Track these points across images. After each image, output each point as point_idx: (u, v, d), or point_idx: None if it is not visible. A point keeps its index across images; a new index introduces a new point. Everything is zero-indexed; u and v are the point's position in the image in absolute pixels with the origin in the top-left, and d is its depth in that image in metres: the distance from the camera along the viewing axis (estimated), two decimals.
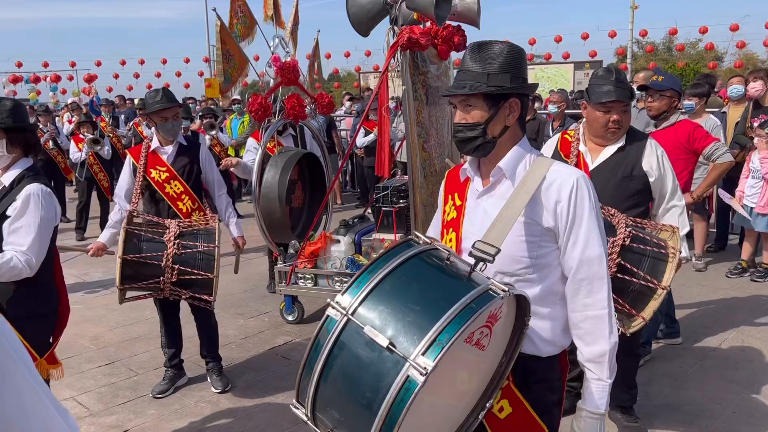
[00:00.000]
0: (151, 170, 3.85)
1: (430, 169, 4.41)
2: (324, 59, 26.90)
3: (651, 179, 3.15)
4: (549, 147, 3.42)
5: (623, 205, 3.07)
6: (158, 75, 31.17)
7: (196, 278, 3.51)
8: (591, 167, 3.19)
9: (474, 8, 4.25)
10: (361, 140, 9.76)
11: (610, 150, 3.19)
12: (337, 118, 12.40)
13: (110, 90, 30.10)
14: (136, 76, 30.83)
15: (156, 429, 3.65)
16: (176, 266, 3.48)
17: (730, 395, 3.78)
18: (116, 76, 30.89)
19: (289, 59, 4.59)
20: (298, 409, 1.59)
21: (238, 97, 13.88)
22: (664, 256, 2.83)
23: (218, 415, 3.81)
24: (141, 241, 3.52)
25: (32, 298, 2.73)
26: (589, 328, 1.81)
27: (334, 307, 1.53)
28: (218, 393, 4.04)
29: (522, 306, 1.68)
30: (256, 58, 5.20)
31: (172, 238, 3.50)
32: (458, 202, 1.97)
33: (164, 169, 3.86)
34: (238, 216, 4.49)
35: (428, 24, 4.21)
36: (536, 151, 1.92)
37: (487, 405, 1.74)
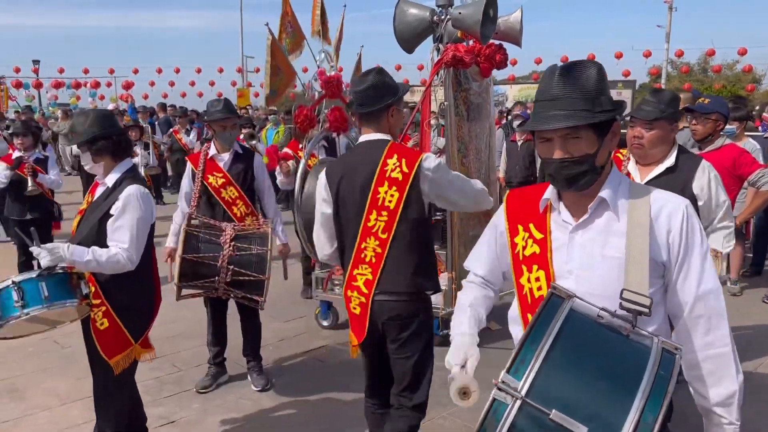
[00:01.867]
0: (209, 176, 4.06)
1: None
2: (394, 71, 27.19)
3: (700, 203, 3.07)
4: None
5: None
6: (192, 84, 31.97)
7: (249, 279, 3.69)
8: None
9: (516, 27, 4.38)
10: None
11: (659, 170, 3.12)
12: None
13: (146, 97, 30.94)
14: (171, 84, 31.63)
15: (201, 422, 3.83)
16: (231, 267, 3.66)
17: (766, 418, 3.79)
18: (152, 84, 31.72)
19: (333, 73, 4.77)
20: None
21: (274, 108, 14.21)
22: None
23: (258, 412, 3.97)
24: (199, 242, 3.72)
25: (132, 290, 2.95)
26: (713, 368, 1.65)
27: (501, 389, 1.28)
28: (258, 391, 4.21)
29: None
30: (304, 70, 5.36)
31: (228, 241, 3.70)
32: (538, 235, 1.78)
33: (221, 175, 4.07)
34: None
35: (471, 42, 4.36)
36: (624, 176, 1.79)
37: None
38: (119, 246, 2.81)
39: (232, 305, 4.20)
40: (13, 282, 2.62)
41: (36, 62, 29.96)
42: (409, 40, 4.32)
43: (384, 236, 2.67)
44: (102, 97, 29.70)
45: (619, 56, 24.27)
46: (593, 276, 1.64)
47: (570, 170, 1.63)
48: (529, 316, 1.73)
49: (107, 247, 2.82)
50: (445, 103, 4.27)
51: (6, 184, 6.12)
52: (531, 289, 1.76)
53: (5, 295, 2.62)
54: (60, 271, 2.70)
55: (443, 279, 4.54)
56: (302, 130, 5.15)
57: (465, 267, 2.11)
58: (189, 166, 4.19)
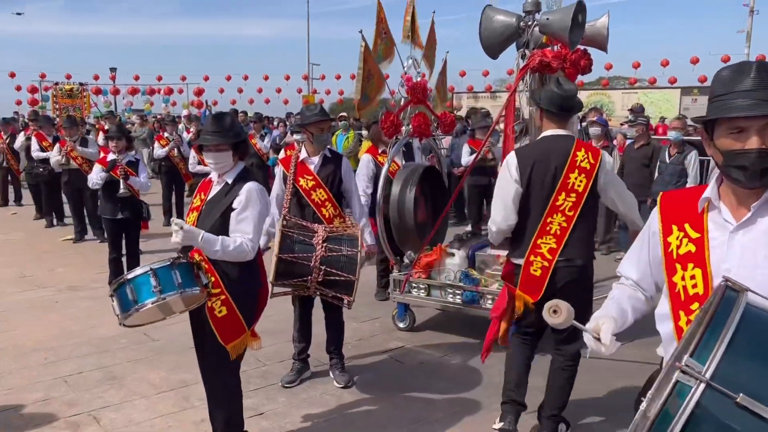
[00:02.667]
0: (300, 178, 4.23)
1: None
2: (458, 77, 27.23)
3: None
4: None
5: None
6: (260, 90, 32.85)
7: (339, 279, 3.83)
8: None
9: (603, 32, 4.36)
10: (466, 159, 9.94)
11: None
12: (438, 137, 12.66)
13: (215, 103, 31.87)
14: (240, 90, 32.60)
15: (287, 414, 3.99)
16: (323, 267, 3.81)
17: None
18: (221, 91, 32.78)
19: (419, 79, 4.87)
20: None
21: (344, 113, 14.47)
22: None
23: (342, 407, 4.10)
24: (294, 243, 3.88)
25: (247, 279, 3.18)
26: None
27: (685, 372, 1.27)
28: (341, 388, 4.34)
29: None
30: (386, 77, 5.47)
31: (321, 242, 3.86)
32: (694, 235, 1.80)
33: (311, 177, 4.24)
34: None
35: (557, 47, 4.37)
36: None
37: None
38: (244, 236, 3.02)
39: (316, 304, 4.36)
40: (151, 269, 2.84)
41: (113, 70, 31.38)
42: (494, 46, 4.37)
43: (570, 213, 3.32)
44: (174, 104, 30.92)
45: (695, 61, 23.50)
46: (755, 275, 1.61)
47: (762, 163, 1.61)
48: (683, 314, 1.77)
49: (232, 237, 3.04)
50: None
51: (101, 185, 6.51)
52: (685, 287, 1.78)
53: (142, 281, 2.84)
54: (185, 261, 2.91)
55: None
56: (388, 136, 5.28)
57: (617, 272, 2.17)
58: (280, 169, 4.38)
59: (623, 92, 19.35)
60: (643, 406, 1.42)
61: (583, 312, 2.93)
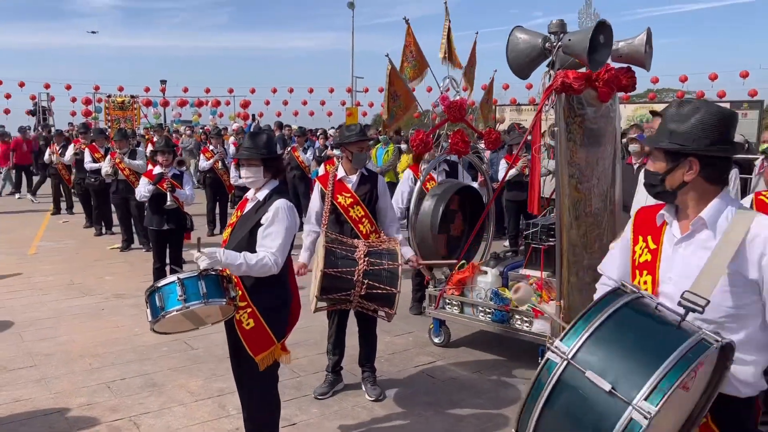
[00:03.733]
0: (338, 196, 4.35)
1: (585, 210, 4.49)
2: (502, 90, 27.20)
3: None
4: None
5: None
6: (305, 103, 33.29)
7: (381, 292, 3.92)
8: None
9: (641, 50, 4.30)
10: (502, 174, 9.91)
11: None
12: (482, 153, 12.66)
13: (261, 115, 32.51)
14: (285, 103, 33.02)
15: (319, 426, 4.06)
16: (366, 281, 3.91)
17: None
18: (267, 103, 33.24)
19: (458, 98, 4.92)
20: None
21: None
22: None
23: (373, 420, 4.16)
24: (337, 258, 3.98)
25: (275, 292, 3.29)
26: None
27: (554, 351, 1.71)
28: (372, 401, 4.40)
29: (725, 351, 1.78)
30: (429, 90, 5.63)
31: (363, 256, 3.96)
32: (652, 246, 2.08)
33: (349, 195, 4.35)
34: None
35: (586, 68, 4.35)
36: (738, 203, 2.03)
37: None
38: (268, 251, 3.12)
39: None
40: (178, 278, 2.97)
41: (163, 82, 32.24)
42: (522, 67, 4.38)
43: None
44: (221, 115, 31.60)
45: (744, 75, 22.92)
46: (688, 285, 1.84)
47: (647, 180, 2.06)
48: None
49: (256, 252, 3.14)
50: (556, 128, 4.29)
51: (148, 197, 6.76)
52: None
53: (170, 289, 2.98)
54: (214, 273, 3.03)
55: (551, 307, 4.53)
56: (418, 152, 5.36)
57: (599, 270, 2.40)
58: (318, 186, 4.50)
59: None
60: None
61: None
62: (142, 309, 6.40)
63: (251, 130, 15.59)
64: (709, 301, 1.77)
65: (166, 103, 31.01)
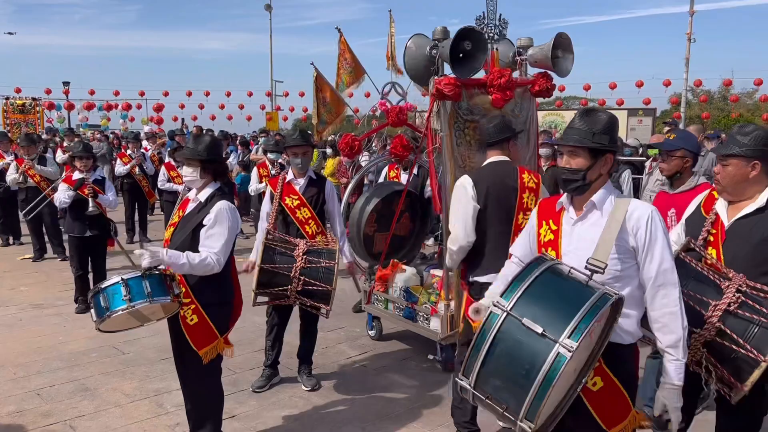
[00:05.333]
0: (286, 198, 4.53)
1: None
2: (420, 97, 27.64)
3: None
4: (695, 203, 3.26)
5: (757, 270, 2.81)
6: (222, 107, 32.62)
7: (317, 289, 4.12)
8: (726, 226, 2.96)
9: (548, 55, 4.62)
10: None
11: (747, 210, 2.93)
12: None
13: (175, 119, 31.61)
14: (201, 107, 32.21)
15: (259, 416, 4.22)
16: (302, 277, 4.11)
17: None
18: (182, 107, 32.33)
19: (403, 103, 5.13)
20: (462, 380, 2.12)
21: (309, 132, 14.71)
22: None
23: (310, 409, 4.36)
24: (275, 254, 4.16)
25: (217, 289, 3.41)
26: (667, 322, 2.37)
27: (496, 305, 2.08)
28: (308, 391, 4.60)
29: (617, 305, 2.21)
30: (367, 95, 5.89)
31: (301, 254, 4.16)
32: (554, 227, 2.56)
33: (296, 197, 4.54)
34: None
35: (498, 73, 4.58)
36: (616, 191, 2.53)
37: (583, 380, 2.29)
38: (210, 251, 3.25)
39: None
40: (122, 279, 3.07)
41: (66, 84, 30.65)
42: (419, 74, 4.59)
43: None
44: (132, 119, 30.47)
45: (639, 85, 24.59)
46: (584, 254, 2.32)
47: (567, 176, 2.45)
48: None
49: (199, 252, 3.26)
50: (441, 134, 4.45)
51: (69, 204, 6.60)
52: None
53: (113, 289, 3.07)
54: (157, 272, 3.14)
55: (441, 307, 4.75)
56: (347, 156, 5.58)
57: (509, 252, 2.91)
58: (269, 189, 4.68)
59: (575, 113, 20.15)
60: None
61: None
62: (65, 318, 6.41)
63: (177, 132, 15.15)
64: (607, 265, 2.25)
65: (71, 107, 29.44)
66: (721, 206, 3.05)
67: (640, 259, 2.38)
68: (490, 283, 3.43)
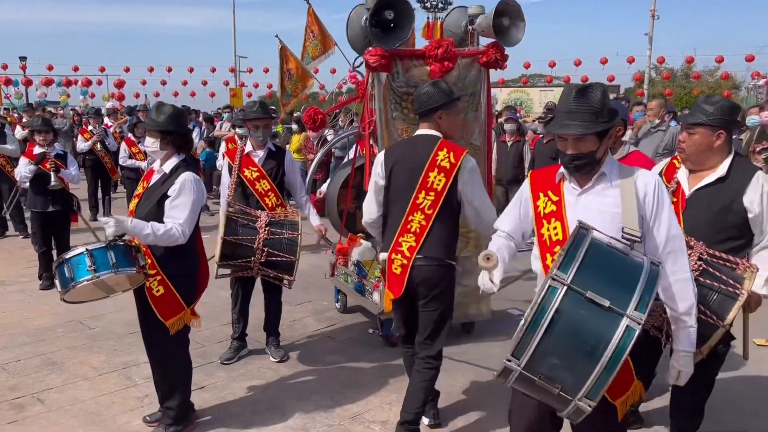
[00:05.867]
0: (245, 170, 4.54)
1: None
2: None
3: (750, 215, 2.94)
4: (655, 170, 3.30)
5: (716, 238, 2.94)
6: (185, 83, 32.10)
7: (281, 260, 4.17)
8: (687, 195, 3.07)
9: (491, 23, 4.51)
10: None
11: (708, 179, 3.03)
12: None
13: (137, 96, 31.06)
14: (163, 83, 31.69)
15: (227, 387, 4.30)
16: (266, 249, 4.15)
17: None
18: (143, 83, 31.78)
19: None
20: (510, 361, 1.96)
21: (273, 107, 14.61)
22: (733, 295, 2.78)
23: (278, 379, 4.45)
24: (238, 226, 4.19)
25: (183, 260, 3.44)
26: (679, 289, 2.34)
27: (555, 279, 1.95)
28: (276, 362, 4.69)
29: None
30: (333, 71, 5.82)
31: (264, 226, 4.19)
32: (555, 198, 2.48)
33: (255, 169, 4.55)
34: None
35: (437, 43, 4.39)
36: (615, 159, 2.51)
37: None
38: (175, 222, 3.29)
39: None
40: (87, 249, 3.10)
41: (23, 59, 29.81)
42: (359, 45, 4.55)
43: (429, 212, 3.34)
44: (93, 95, 29.76)
45: (604, 62, 24.90)
46: (593, 223, 2.22)
47: (578, 162, 2.37)
48: (548, 255, 2.45)
49: (164, 223, 3.30)
50: (372, 105, 4.41)
51: (30, 178, 6.51)
52: (550, 236, 2.47)
53: (78, 260, 3.10)
54: (122, 243, 3.17)
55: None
56: (311, 129, 5.61)
57: (494, 226, 2.82)
58: (226, 161, 4.69)
59: (540, 90, 20.44)
60: (523, 321, 2.13)
61: (443, 318, 3.46)
62: (29, 294, 6.36)
63: (139, 108, 14.85)
64: (643, 234, 2.26)
65: (28, 82, 28.62)
66: (682, 175, 3.12)
67: (649, 225, 2.34)
68: (385, 261, 3.49)
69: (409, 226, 3.36)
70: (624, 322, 1.87)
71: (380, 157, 3.53)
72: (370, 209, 3.58)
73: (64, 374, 4.50)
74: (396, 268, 3.38)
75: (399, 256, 3.38)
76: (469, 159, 3.37)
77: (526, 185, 2.64)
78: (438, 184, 3.32)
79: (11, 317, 5.72)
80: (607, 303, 1.89)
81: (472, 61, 4.75)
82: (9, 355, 4.84)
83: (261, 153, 4.63)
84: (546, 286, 1.95)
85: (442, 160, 3.34)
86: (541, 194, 2.53)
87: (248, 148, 4.64)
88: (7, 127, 12.31)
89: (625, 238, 2.21)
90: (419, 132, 3.51)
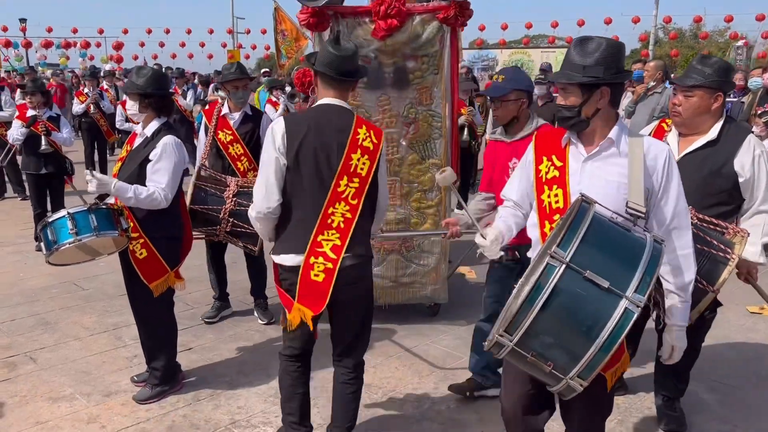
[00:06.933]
0: (219, 132, 4.54)
1: None
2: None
3: (740, 179, 2.92)
4: (644, 132, 3.14)
5: (705, 203, 2.93)
6: (183, 45, 31.80)
7: (245, 230, 4.17)
8: (677, 159, 2.94)
9: None
10: None
11: (699, 143, 2.99)
12: None
13: (135, 58, 30.75)
14: (161, 45, 31.37)
15: (215, 348, 4.39)
16: (231, 219, 4.19)
17: None
18: (142, 45, 31.45)
19: None
20: (503, 336, 1.89)
21: (268, 69, 14.48)
22: (723, 260, 2.77)
23: (266, 341, 4.54)
24: (207, 195, 4.23)
25: (167, 224, 3.49)
26: (680, 264, 2.26)
27: (553, 257, 1.85)
28: (264, 324, 4.77)
29: None
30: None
31: (231, 196, 4.21)
32: (558, 163, 2.34)
33: (230, 132, 4.54)
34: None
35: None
36: (624, 125, 2.36)
37: None
38: (157, 186, 3.32)
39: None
40: (68, 213, 3.14)
41: (23, 21, 29.58)
42: None
43: (354, 202, 2.72)
44: (92, 58, 29.54)
45: (608, 22, 24.45)
46: (597, 193, 2.13)
47: (561, 114, 2.26)
48: (547, 223, 2.34)
49: (146, 187, 3.32)
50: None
51: (22, 141, 6.53)
52: (550, 203, 2.35)
53: (60, 223, 3.15)
54: (104, 206, 3.21)
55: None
56: (301, 91, 5.59)
57: (501, 196, 2.69)
58: (203, 120, 4.67)
59: (542, 51, 20.09)
60: (516, 285, 2.17)
61: (369, 323, 2.99)
62: (25, 255, 6.45)
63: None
64: (648, 209, 2.14)
65: (28, 44, 28.46)
66: (672, 139, 3.08)
67: (655, 199, 2.23)
68: (295, 267, 2.71)
69: (330, 221, 2.69)
70: (623, 303, 1.80)
71: (280, 125, 2.70)
72: (269, 195, 2.71)
73: (56, 334, 4.59)
74: (316, 275, 2.69)
75: (321, 259, 2.68)
76: (383, 139, 2.87)
77: (530, 148, 2.49)
78: (362, 169, 2.73)
79: (7, 277, 5.82)
80: (606, 284, 1.82)
81: (430, 18, 4.20)
82: (4, 315, 4.94)
83: (237, 116, 4.60)
84: (544, 264, 1.87)
85: (364, 140, 2.74)
86: (545, 158, 2.39)
87: (225, 109, 4.63)
88: (5, 90, 12.32)
89: (629, 213, 2.09)
90: (327, 101, 2.77)
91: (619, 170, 2.23)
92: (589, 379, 1.87)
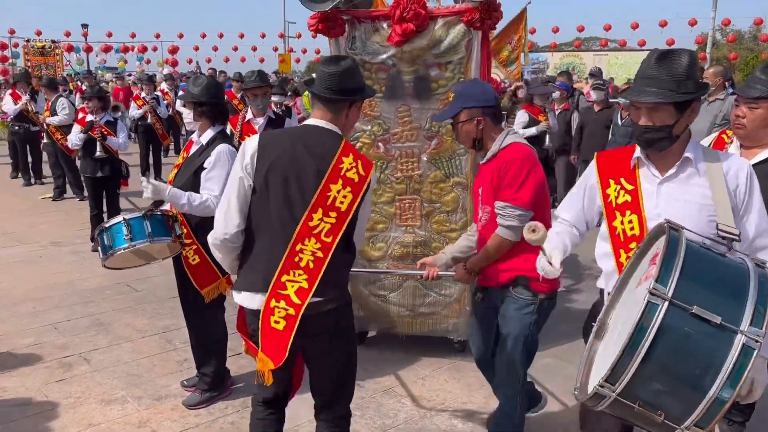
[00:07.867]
0: (246, 137, 4.58)
1: (393, 174, 4.09)
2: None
3: None
4: (705, 143, 3.07)
5: None
6: (235, 49, 32.46)
7: None
8: None
9: None
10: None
11: (763, 155, 2.85)
12: None
13: (190, 62, 31.53)
14: (215, 49, 32.10)
15: None
16: None
17: None
18: (196, 49, 32.24)
19: None
20: (602, 388, 1.68)
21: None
22: None
23: None
24: None
25: None
26: None
27: (653, 293, 1.66)
28: None
29: None
30: None
31: None
32: (629, 186, 2.18)
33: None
34: None
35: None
36: (698, 142, 2.22)
37: None
38: (210, 193, 3.34)
39: None
40: (124, 219, 3.20)
41: (85, 26, 30.75)
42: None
43: (328, 240, 2.35)
44: (148, 61, 30.48)
45: (663, 24, 23.76)
46: (678, 216, 1.97)
47: (650, 135, 2.09)
48: (623, 252, 2.19)
49: (200, 194, 3.36)
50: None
51: (80, 145, 6.72)
52: (624, 230, 2.20)
53: (116, 229, 3.21)
54: (159, 213, 3.25)
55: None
56: None
57: (555, 214, 2.55)
58: (228, 127, 4.73)
59: (594, 54, 19.70)
60: (595, 324, 2.02)
61: (353, 354, 2.62)
62: (82, 256, 6.61)
63: (189, 75, 15.25)
64: (740, 233, 1.95)
65: (89, 49, 29.68)
66: (734, 151, 2.94)
67: (735, 219, 2.07)
68: (255, 311, 2.37)
69: (297, 259, 2.33)
70: (739, 339, 1.61)
71: (252, 142, 2.42)
72: (228, 220, 2.41)
73: (109, 335, 4.69)
74: (276, 322, 2.32)
75: (282, 303, 2.32)
76: (374, 172, 2.50)
77: (591, 170, 2.33)
78: (342, 203, 2.36)
79: (64, 278, 5.99)
80: (718, 319, 1.62)
81: (454, 21, 3.81)
82: (60, 315, 5.07)
83: (261, 120, 4.76)
84: (644, 302, 1.67)
85: (348, 170, 2.38)
86: (612, 181, 2.23)
87: (249, 115, 4.79)
88: (71, 94, 12.75)
89: (722, 236, 1.91)
90: (312, 122, 2.47)
91: (700, 191, 2.10)
92: (709, 426, 1.67)
